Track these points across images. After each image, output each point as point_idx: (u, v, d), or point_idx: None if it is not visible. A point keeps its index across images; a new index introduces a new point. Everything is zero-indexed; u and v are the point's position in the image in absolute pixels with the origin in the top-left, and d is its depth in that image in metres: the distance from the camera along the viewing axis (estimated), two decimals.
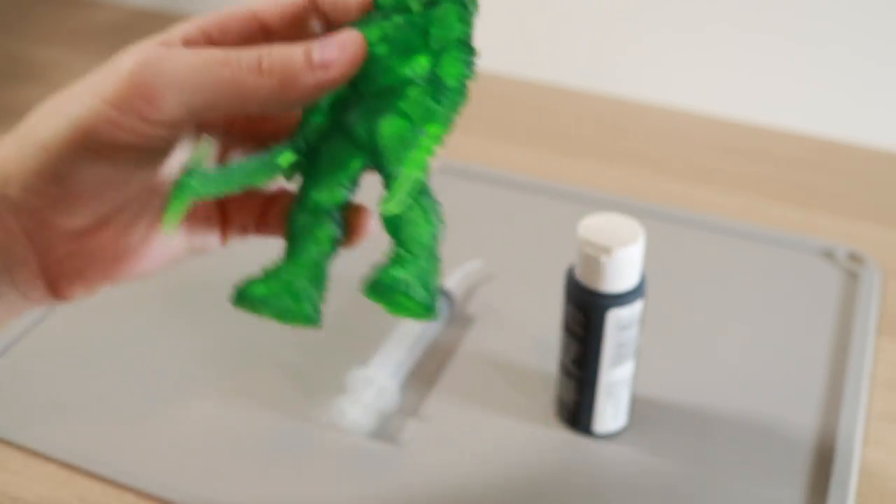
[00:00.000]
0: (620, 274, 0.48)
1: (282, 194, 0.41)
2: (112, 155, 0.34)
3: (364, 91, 0.38)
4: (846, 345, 0.60)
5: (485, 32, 0.96)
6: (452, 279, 0.50)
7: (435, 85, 0.38)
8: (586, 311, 0.49)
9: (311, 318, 0.40)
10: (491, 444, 0.53)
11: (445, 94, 0.39)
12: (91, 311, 0.62)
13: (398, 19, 0.36)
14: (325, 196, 0.39)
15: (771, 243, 0.69)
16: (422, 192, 0.41)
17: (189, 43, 0.36)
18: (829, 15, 0.80)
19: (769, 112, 0.85)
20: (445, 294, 0.49)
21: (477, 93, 0.97)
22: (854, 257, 0.67)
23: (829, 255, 0.67)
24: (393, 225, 0.40)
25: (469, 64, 0.37)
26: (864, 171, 0.79)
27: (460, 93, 0.39)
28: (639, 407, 0.55)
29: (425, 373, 0.58)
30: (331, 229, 0.40)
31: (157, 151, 0.35)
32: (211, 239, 0.41)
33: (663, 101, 0.88)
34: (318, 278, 0.40)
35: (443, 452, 0.53)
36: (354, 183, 0.40)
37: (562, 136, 0.83)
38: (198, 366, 0.58)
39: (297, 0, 0.37)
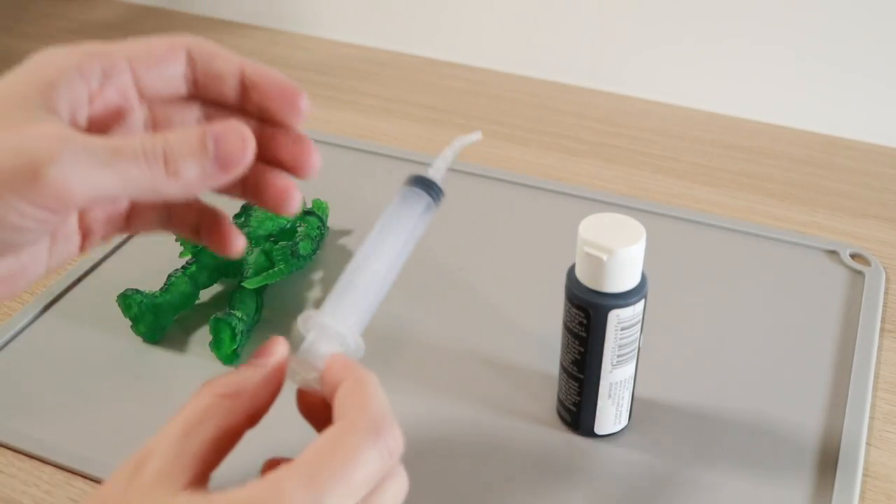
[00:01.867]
0: (622, 274, 0.47)
1: (137, 204, 0.40)
2: (8, 232, 0.33)
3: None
4: (850, 345, 0.59)
5: (486, 31, 0.96)
6: (437, 165, 0.46)
7: (293, 248, 0.62)
8: (587, 311, 0.49)
9: (147, 337, 0.60)
10: (491, 444, 0.53)
11: (297, 257, 0.62)
12: (89, 310, 0.62)
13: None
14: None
15: (774, 243, 0.68)
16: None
17: (69, 83, 0.35)
18: (835, 12, 0.79)
19: (773, 110, 0.85)
20: (428, 183, 0.44)
21: (477, 91, 0.97)
22: (858, 257, 0.67)
23: (833, 254, 0.67)
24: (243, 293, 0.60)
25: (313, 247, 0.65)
26: (869, 171, 0.78)
27: (306, 259, 0.64)
28: (640, 408, 0.55)
29: (425, 373, 0.57)
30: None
31: (47, 231, 0.34)
32: (69, 255, 0.39)
33: (666, 100, 0.88)
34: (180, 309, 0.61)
35: (443, 453, 0.53)
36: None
37: (563, 135, 0.83)
38: (197, 365, 0.58)
39: (169, 58, 0.37)
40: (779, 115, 0.84)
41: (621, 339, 0.49)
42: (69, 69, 0.35)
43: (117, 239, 0.67)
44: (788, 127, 0.84)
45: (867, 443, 0.54)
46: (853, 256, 0.67)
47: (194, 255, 0.62)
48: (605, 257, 0.47)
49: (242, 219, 0.65)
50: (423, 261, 0.66)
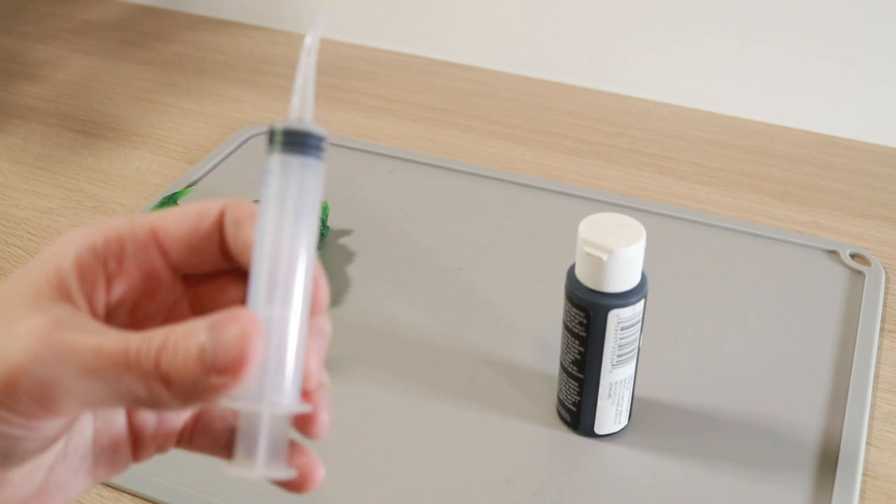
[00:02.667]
0: (622, 273, 0.47)
1: (203, 414, 0.36)
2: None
3: None
4: (850, 344, 0.59)
5: (486, 31, 0.96)
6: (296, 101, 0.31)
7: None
8: (587, 310, 0.48)
9: None
10: (491, 445, 0.53)
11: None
12: None
13: None
14: None
15: (775, 243, 0.68)
16: None
17: (82, 268, 0.31)
18: (835, 13, 0.79)
19: (773, 110, 0.85)
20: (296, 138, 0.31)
21: (478, 91, 0.97)
22: (858, 257, 0.67)
23: (833, 254, 0.67)
24: None
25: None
26: (869, 171, 0.78)
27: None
28: (640, 407, 0.55)
29: (425, 373, 0.57)
30: None
31: (44, 435, 0.31)
32: (122, 465, 0.36)
33: (666, 100, 0.88)
34: None
35: (443, 453, 0.53)
36: None
37: (563, 135, 0.83)
38: None
39: (200, 227, 0.33)
40: (779, 115, 0.84)
41: (621, 338, 0.49)
42: (84, 251, 0.32)
43: None
44: (788, 127, 0.84)
45: (867, 442, 0.54)
46: (853, 256, 0.67)
47: None
48: (605, 257, 0.47)
49: None
50: (423, 261, 0.66)
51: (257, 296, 0.30)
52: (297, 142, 0.30)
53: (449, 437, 0.54)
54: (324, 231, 0.67)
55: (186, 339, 0.28)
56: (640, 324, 0.50)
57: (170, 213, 0.33)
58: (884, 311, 0.63)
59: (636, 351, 0.51)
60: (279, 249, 0.30)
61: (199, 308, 0.35)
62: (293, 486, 0.32)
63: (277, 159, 0.30)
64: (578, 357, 0.50)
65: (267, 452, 0.30)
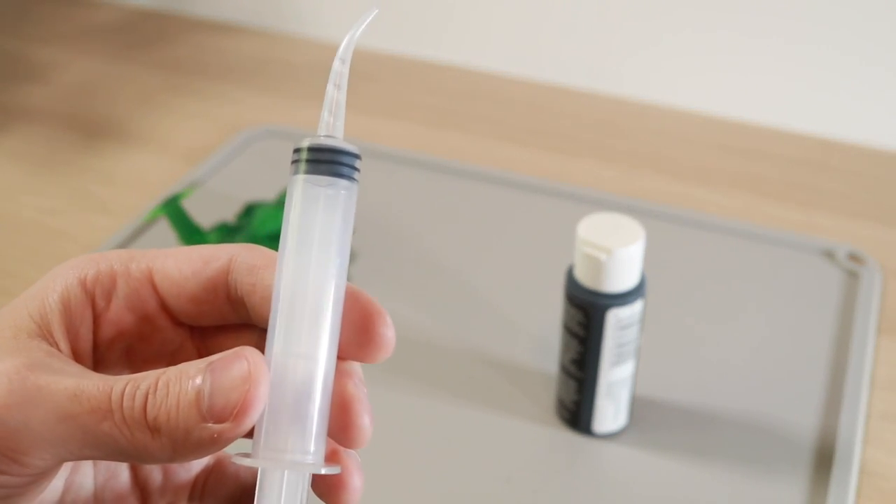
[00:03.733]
0: (620, 274, 0.48)
1: (216, 468, 0.33)
2: None
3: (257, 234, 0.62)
4: (846, 344, 0.60)
5: (486, 34, 0.97)
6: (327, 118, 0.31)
7: None
8: (586, 310, 0.49)
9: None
10: (490, 444, 0.53)
11: None
12: None
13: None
14: None
15: (771, 243, 0.69)
16: None
17: (67, 303, 0.28)
18: (830, 15, 0.80)
19: (770, 112, 0.85)
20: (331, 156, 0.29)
21: (478, 92, 0.98)
22: (854, 257, 0.67)
23: (829, 254, 0.67)
24: None
25: None
26: (864, 171, 0.79)
27: None
28: (639, 407, 0.55)
29: (425, 372, 0.58)
30: None
31: (23, 493, 0.27)
32: None
33: (664, 101, 0.88)
34: None
35: (443, 452, 0.53)
36: None
37: (562, 136, 0.83)
38: None
39: (203, 273, 0.29)
40: (776, 117, 0.85)
41: (620, 338, 0.50)
42: (73, 284, 0.29)
43: (119, 237, 0.68)
44: (785, 129, 0.84)
45: (863, 441, 0.54)
46: (849, 257, 0.67)
47: None
48: (603, 257, 0.47)
49: (245, 218, 0.66)
50: (423, 261, 0.67)
51: (276, 336, 0.26)
52: (326, 160, 0.27)
53: (448, 435, 0.54)
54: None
55: (180, 380, 0.25)
56: (638, 324, 0.50)
57: (173, 253, 0.29)
58: (880, 311, 0.63)
59: (635, 350, 0.51)
60: (302, 283, 0.26)
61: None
62: None
63: (302, 181, 0.27)
64: (577, 357, 0.51)
65: None
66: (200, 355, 0.31)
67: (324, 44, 1.00)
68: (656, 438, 0.54)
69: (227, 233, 0.64)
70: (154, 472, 0.32)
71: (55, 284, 0.29)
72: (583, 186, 0.75)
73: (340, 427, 0.27)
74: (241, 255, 0.29)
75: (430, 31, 0.96)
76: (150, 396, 0.25)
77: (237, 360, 0.25)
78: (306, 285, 0.26)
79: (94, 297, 0.29)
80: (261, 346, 0.28)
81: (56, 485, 0.30)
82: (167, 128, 0.84)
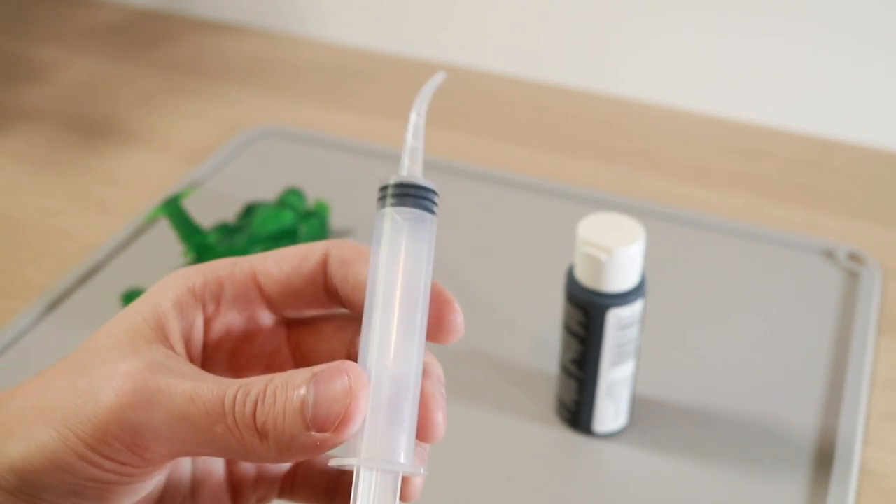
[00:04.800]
0: (621, 273, 0.48)
1: (304, 463, 0.35)
2: (89, 486, 0.29)
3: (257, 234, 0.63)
4: (846, 344, 0.60)
5: (486, 34, 0.97)
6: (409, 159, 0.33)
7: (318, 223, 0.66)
8: (586, 310, 0.49)
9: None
10: (491, 443, 0.53)
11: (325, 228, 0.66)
12: (94, 311, 0.62)
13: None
14: None
15: (771, 243, 0.69)
16: None
17: (181, 309, 0.31)
18: (830, 15, 0.80)
19: (769, 112, 0.85)
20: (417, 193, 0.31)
21: (477, 92, 0.98)
22: (854, 257, 0.67)
23: (829, 254, 0.67)
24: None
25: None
26: (864, 171, 0.79)
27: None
28: (639, 407, 0.55)
29: None
30: None
31: (140, 484, 0.30)
32: None
33: (664, 101, 0.88)
34: None
35: (443, 452, 0.53)
36: None
37: (562, 136, 0.83)
38: None
39: (302, 268, 0.32)
40: (776, 117, 0.85)
41: (620, 338, 0.50)
42: (183, 292, 0.31)
43: (120, 237, 0.68)
44: (786, 129, 0.84)
45: (863, 441, 0.54)
46: (849, 257, 0.67)
47: (198, 255, 0.62)
48: (604, 257, 0.47)
49: (245, 218, 0.66)
50: None
51: (372, 345, 0.29)
52: (411, 195, 0.30)
53: (449, 435, 0.54)
54: (324, 232, 0.67)
55: (287, 389, 0.27)
56: (638, 324, 0.50)
57: (271, 255, 0.32)
58: (880, 311, 0.63)
59: (635, 350, 0.51)
60: (395, 299, 0.29)
61: (301, 358, 0.34)
62: None
63: (391, 213, 0.30)
64: (578, 356, 0.51)
65: None
66: (294, 357, 0.33)
67: (324, 44, 1.00)
68: (656, 438, 0.54)
69: (227, 233, 0.64)
70: (248, 468, 0.34)
71: (166, 293, 0.31)
72: (583, 186, 0.75)
73: (419, 423, 0.30)
74: (334, 250, 0.32)
75: (430, 32, 0.96)
76: (259, 403, 0.27)
77: (339, 375, 0.27)
78: (399, 295, 0.29)
79: (204, 303, 0.31)
80: (349, 341, 0.32)
81: (159, 478, 0.32)
82: (167, 128, 0.84)
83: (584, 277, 0.49)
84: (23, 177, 0.78)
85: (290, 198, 0.67)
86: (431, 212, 0.30)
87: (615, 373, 0.51)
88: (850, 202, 0.75)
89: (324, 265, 0.32)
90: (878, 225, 0.72)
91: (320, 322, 0.33)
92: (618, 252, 0.47)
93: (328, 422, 0.27)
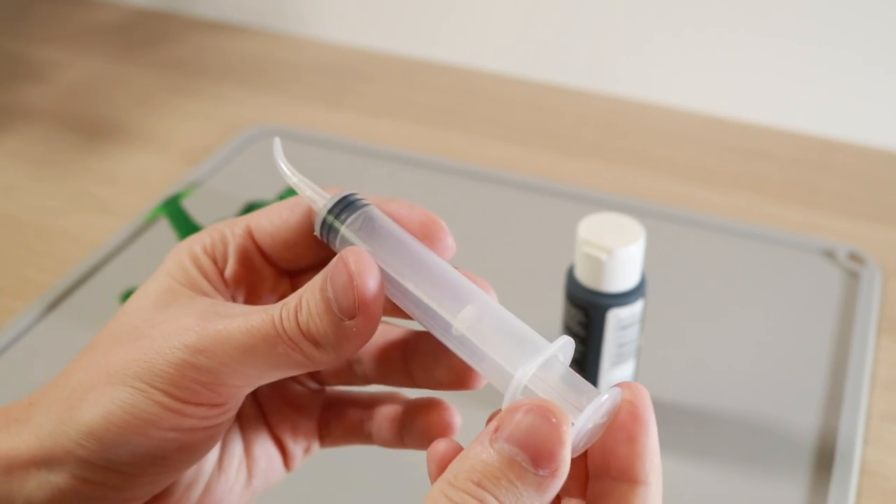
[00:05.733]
0: (621, 273, 0.48)
1: (330, 405, 0.37)
2: (171, 439, 0.31)
3: None
4: (847, 344, 0.60)
5: (486, 34, 0.97)
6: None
7: None
8: (587, 310, 0.49)
9: None
10: None
11: None
12: (94, 310, 0.62)
13: None
14: None
15: (771, 243, 0.69)
16: None
17: (202, 267, 0.33)
18: (830, 15, 0.80)
19: (770, 112, 0.85)
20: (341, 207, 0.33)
21: (477, 92, 0.98)
22: (855, 257, 0.67)
23: (829, 254, 0.67)
24: None
25: None
26: (864, 171, 0.79)
27: None
28: None
29: None
30: None
31: (217, 427, 0.32)
32: (275, 475, 0.37)
33: (664, 101, 0.88)
34: None
35: None
36: None
37: (562, 136, 0.83)
38: None
39: (290, 220, 0.34)
40: (776, 117, 0.85)
41: (620, 338, 0.50)
42: (198, 252, 0.33)
43: (120, 237, 0.68)
44: (786, 129, 0.84)
45: (864, 441, 0.54)
46: (849, 257, 0.67)
47: None
48: (604, 257, 0.47)
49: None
50: None
51: (440, 311, 0.30)
52: (344, 207, 0.32)
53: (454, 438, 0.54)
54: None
55: (314, 293, 0.29)
56: (639, 324, 0.50)
57: (263, 211, 0.34)
58: (880, 311, 0.63)
59: (635, 351, 0.51)
60: (418, 278, 0.31)
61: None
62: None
63: (346, 230, 0.32)
64: (578, 357, 0.51)
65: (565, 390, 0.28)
66: None
67: (324, 44, 1.00)
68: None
69: None
70: (284, 426, 0.36)
71: (184, 257, 0.33)
72: (583, 186, 0.75)
73: (430, 241, 0.33)
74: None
75: (430, 32, 0.96)
76: (298, 313, 0.29)
77: (342, 264, 0.29)
78: (421, 265, 0.31)
79: (216, 259, 0.33)
80: None
81: (212, 456, 0.34)
82: (167, 128, 0.84)
83: (584, 277, 0.49)
84: (23, 177, 0.78)
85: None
86: (361, 206, 0.33)
87: (615, 373, 0.51)
88: (850, 202, 0.75)
89: (309, 215, 0.34)
90: (878, 225, 0.72)
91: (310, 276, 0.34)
92: (618, 252, 0.47)
93: (351, 309, 0.29)
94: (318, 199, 0.32)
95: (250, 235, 0.34)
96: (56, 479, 0.30)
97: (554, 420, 0.26)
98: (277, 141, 0.34)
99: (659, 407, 0.55)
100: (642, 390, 0.30)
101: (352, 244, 0.31)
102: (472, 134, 0.83)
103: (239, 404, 0.32)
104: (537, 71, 0.93)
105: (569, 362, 0.30)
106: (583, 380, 0.29)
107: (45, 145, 0.82)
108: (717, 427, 0.54)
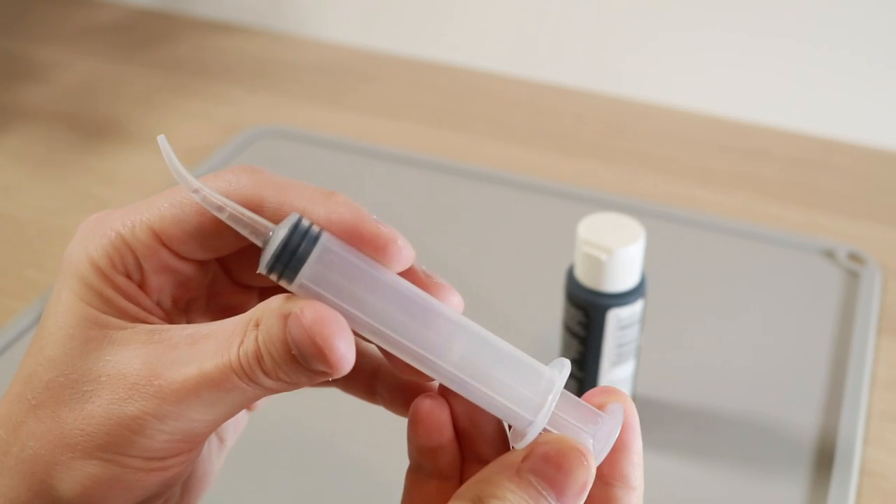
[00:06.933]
0: (621, 273, 0.48)
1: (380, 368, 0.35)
2: (154, 484, 0.29)
3: None
4: (847, 344, 0.60)
5: (487, 34, 0.97)
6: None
7: None
8: (587, 310, 0.49)
9: None
10: None
11: None
12: None
13: None
14: None
15: (771, 243, 0.69)
16: None
17: (118, 285, 0.29)
18: (830, 15, 0.80)
19: (770, 112, 0.85)
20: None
21: (478, 92, 0.98)
22: (855, 257, 0.67)
23: (829, 254, 0.67)
24: None
25: None
26: (864, 171, 0.79)
27: None
28: (639, 407, 0.55)
29: None
30: None
31: (194, 458, 0.31)
32: (241, 423, 0.36)
33: (664, 101, 0.88)
34: None
35: None
36: None
37: (562, 136, 0.83)
38: None
39: (203, 222, 0.29)
40: (776, 117, 0.85)
41: (620, 338, 0.50)
42: (107, 269, 0.29)
43: None
44: (786, 129, 0.84)
45: (864, 441, 0.54)
46: (849, 257, 0.67)
47: None
48: (604, 257, 0.47)
49: None
50: (422, 261, 0.67)
51: (424, 352, 0.28)
52: (290, 258, 0.27)
53: None
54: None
55: (275, 344, 0.27)
56: (639, 324, 0.50)
57: (167, 210, 0.29)
58: (880, 311, 0.63)
59: (635, 351, 0.51)
60: (389, 314, 0.28)
61: (243, 287, 0.33)
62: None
63: (302, 279, 0.27)
64: (578, 357, 0.51)
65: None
66: (234, 281, 0.32)
67: (324, 44, 1.00)
68: (656, 438, 0.54)
69: None
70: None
71: (91, 279, 0.29)
72: (583, 186, 0.75)
73: (374, 251, 0.29)
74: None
75: (430, 32, 0.96)
76: (261, 362, 0.27)
77: (305, 334, 0.26)
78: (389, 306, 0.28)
79: (129, 273, 0.29)
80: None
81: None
82: (167, 128, 0.84)
83: (584, 277, 0.49)
84: (23, 177, 0.78)
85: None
86: (314, 240, 0.27)
87: (615, 373, 0.51)
88: (850, 202, 0.75)
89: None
90: (878, 225, 0.72)
91: (239, 256, 0.31)
92: (618, 252, 0.47)
93: (324, 370, 0.27)
94: (249, 228, 0.27)
95: (159, 242, 0.29)
96: None
97: (585, 463, 0.27)
98: (163, 139, 0.28)
99: (659, 407, 0.55)
100: (626, 397, 0.30)
101: (311, 289, 0.27)
102: (472, 134, 0.83)
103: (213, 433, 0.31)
104: (537, 71, 0.93)
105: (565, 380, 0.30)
106: (585, 403, 0.30)
107: (45, 145, 0.82)
108: (717, 427, 0.54)
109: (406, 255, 0.30)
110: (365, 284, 0.28)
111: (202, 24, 1.03)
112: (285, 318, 0.27)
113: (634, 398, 0.54)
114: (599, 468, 0.28)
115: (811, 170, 0.79)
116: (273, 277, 0.27)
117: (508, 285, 0.65)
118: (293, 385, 0.28)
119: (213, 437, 0.35)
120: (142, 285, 0.30)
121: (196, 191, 0.27)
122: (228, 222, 0.27)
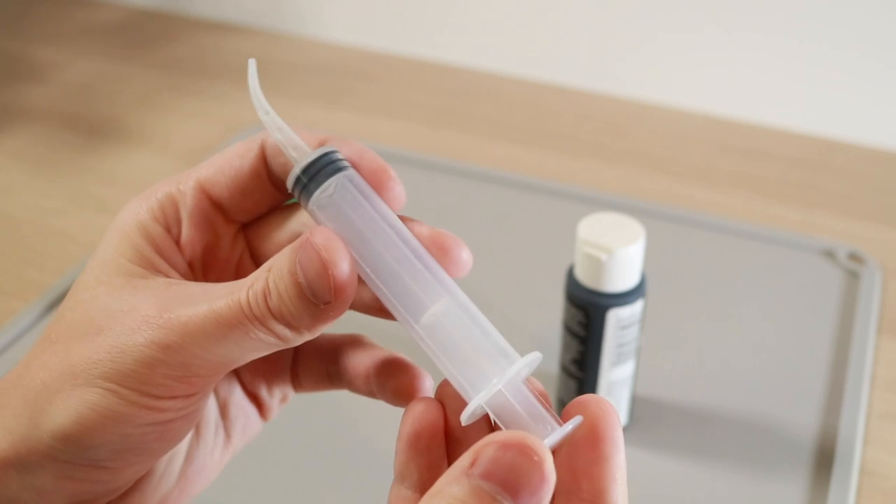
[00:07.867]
0: (621, 273, 0.48)
1: (300, 358, 0.36)
2: (148, 432, 0.30)
3: None
4: (847, 344, 0.60)
5: (487, 34, 0.97)
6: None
7: None
8: (587, 310, 0.49)
9: None
10: None
11: None
12: None
13: None
14: None
15: (771, 243, 0.69)
16: None
17: (154, 239, 0.31)
18: (830, 15, 0.80)
19: (770, 112, 0.85)
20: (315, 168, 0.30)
21: (478, 92, 0.98)
22: (855, 257, 0.67)
23: (829, 254, 0.67)
24: None
25: None
26: (864, 171, 0.79)
27: None
28: (639, 407, 0.55)
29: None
30: None
31: (194, 412, 0.31)
32: (253, 429, 0.37)
33: (664, 101, 0.88)
34: None
35: None
36: None
37: (562, 136, 0.83)
38: None
39: (243, 167, 0.32)
40: (776, 117, 0.85)
41: (620, 338, 0.50)
42: (148, 223, 0.31)
43: None
44: (786, 129, 0.84)
45: (864, 441, 0.54)
46: (849, 257, 0.67)
47: None
48: (604, 257, 0.47)
49: None
50: None
51: (407, 304, 0.30)
52: (322, 166, 0.30)
53: None
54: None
55: (283, 277, 0.28)
56: (639, 324, 0.50)
57: (211, 162, 0.32)
58: (880, 311, 0.63)
59: (635, 350, 0.51)
60: (387, 266, 0.30)
61: (261, 254, 0.34)
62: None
63: (318, 199, 0.29)
64: (578, 356, 0.51)
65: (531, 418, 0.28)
66: (258, 264, 0.33)
67: (324, 44, 1.00)
68: (656, 438, 0.54)
69: None
70: (258, 381, 0.36)
71: (131, 228, 0.31)
72: (583, 186, 0.75)
73: (444, 261, 0.33)
74: (268, 139, 0.33)
75: (430, 32, 0.96)
76: (267, 297, 0.28)
77: (313, 251, 0.28)
78: (389, 256, 0.30)
79: (168, 226, 0.32)
80: (292, 231, 0.33)
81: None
82: (167, 128, 0.84)
83: (584, 277, 0.49)
84: (23, 177, 0.78)
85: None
86: (339, 170, 0.30)
87: (615, 373, 0.51)
88: (850, 202, 0.75)
89: (263, 157, 0.32)
90: (878, 225, 0.72)
91: (266, 224, 0.34)
92: (618, 252, 0.47)
93: (327, 294, 0.28)
94: (294, 150, 0.31)
95: (203, 192, 0.32)
96: (39, 481, 0.30)
97: (536, 458, 0.25)
98: (253, 63, 0.32)
99: (659, 407, 0.55)
100: (611, 407, 0.28)
101: (322, 212, 0.30)
102: (472, 134, 0.83)
103: (213, 387, 0.31)
104: (537, 71, 0.93)
105: (531, 373, 0.30)
106: (541, 404, 0.29)
107: (45, 145, 0.82)
108: (717, 427, 0.54)
109: (398, 192, 0.34)
110: (372, 225, 0.30)
111: (202, 24, 1.03)
112: (295, 251, 0.28)
113: (634, 398, 0.54)
114: (575, 482, 0.27)
115: (811, 170, 0.79)
116: (295, 193, 0.30)
117: (508, 285, 0.65)
118: (297, 328, 0.28)
119: (217, 428, 0.35)
120: (177, 241, 0.32)
121: (267, 112, 0.31)
122: (281, 147, 0.31)
